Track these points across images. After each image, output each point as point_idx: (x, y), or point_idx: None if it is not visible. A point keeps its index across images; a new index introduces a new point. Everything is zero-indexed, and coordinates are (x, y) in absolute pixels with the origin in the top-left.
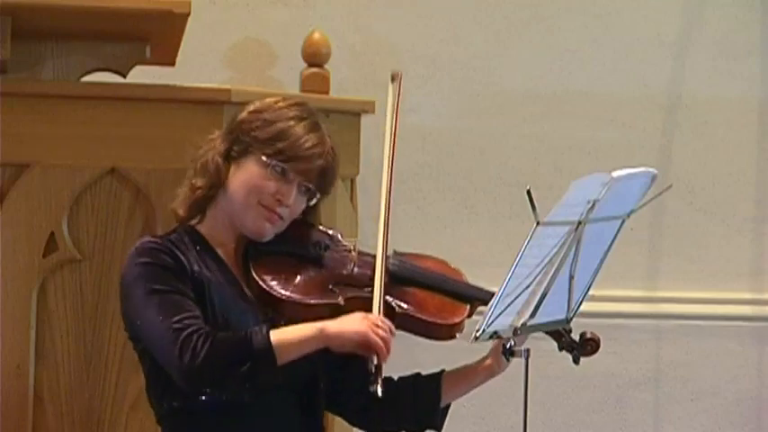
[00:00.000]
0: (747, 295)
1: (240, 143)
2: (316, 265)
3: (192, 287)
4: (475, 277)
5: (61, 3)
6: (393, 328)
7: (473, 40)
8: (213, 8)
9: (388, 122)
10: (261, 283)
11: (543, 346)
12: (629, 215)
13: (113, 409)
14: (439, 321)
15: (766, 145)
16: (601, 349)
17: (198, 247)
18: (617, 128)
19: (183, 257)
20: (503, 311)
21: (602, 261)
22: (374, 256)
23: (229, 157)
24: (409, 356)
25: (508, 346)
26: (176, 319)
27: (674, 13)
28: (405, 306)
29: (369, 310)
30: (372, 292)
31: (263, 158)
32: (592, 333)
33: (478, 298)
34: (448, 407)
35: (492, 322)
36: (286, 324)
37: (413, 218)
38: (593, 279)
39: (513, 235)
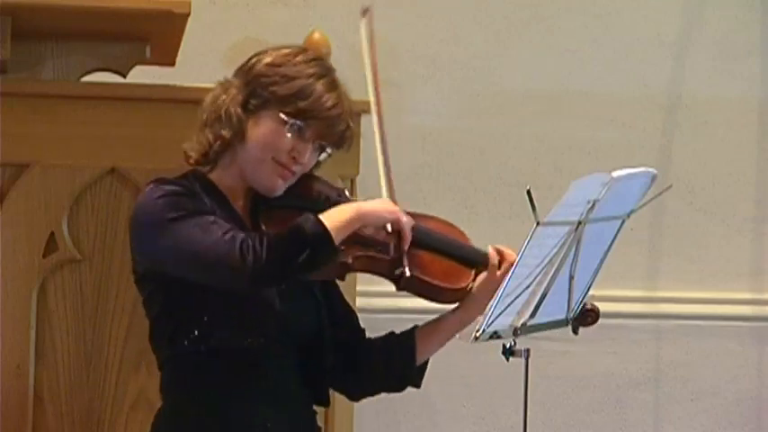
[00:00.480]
0: (747, 295)
1: (258, 97)
2: None
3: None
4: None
5: (61, 3)
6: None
7: (473, 40)
8: (213, 8)
9: (367, 59)
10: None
11: (543, 346)
12: (629, 215)
13: (113, 409)
14: (444, 285)
15: (766, 145)
16: (601, 349)
17: (209, 194)
18: (617, 128)
19: (199, 194)
20: (503, 311)
21: (602, 261)
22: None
23: (247, 110)
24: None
25: (508, 345)
26: (222, 231)
27: (674, 13)
28: (414, 268)
29: (377, 271)
30: (384, 252)
31: (282, 116)
32: (592, 304)
33: (485, 263)
34: (426, 363)
35: (492, 322)
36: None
37: None
38: (593, 279)
39: (513, 235)
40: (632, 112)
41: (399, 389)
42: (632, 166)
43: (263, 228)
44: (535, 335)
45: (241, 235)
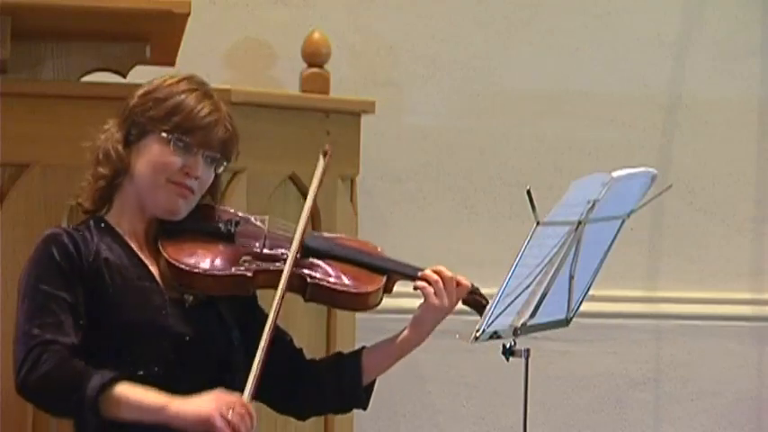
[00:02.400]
0: (747, 295)
1: (137, 126)
2: (226, 240)
3: (86, 280)
4: (475, 277)
5: (61, 3)
6: (252, 413)
7: (473, 40)
8: (213, 8)
9: (312, 192)
10: (169, 258)
11: (543, 346)
12: (629, 215)
13: None
14: (351, 290)
15: (766, 145)
16: (601, 349)
17: (105, 236)
18: (617, 128)
19: (82, 247)
20: (503, 311)
21: (602, 261)
22: (288, 235)
23: (129, 143)
24: (409, 356)
25: (508, 345)
26: (37, 323)
27: (674, 13)
28: (316, 275)
29: (276, 284)
30: (284, 266)
31: (163, 135)
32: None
33: (396, 271)
34: (373, 384)
35: (492, 322)
36: (196, 299)
37: (413, 218)
38: (594, 279)
39: (513, 235)
40: (632, 112)
41: (346, 410)
42: (632, 166)
43: (162, 250)
44: (535, 335)
45: (44, 338)
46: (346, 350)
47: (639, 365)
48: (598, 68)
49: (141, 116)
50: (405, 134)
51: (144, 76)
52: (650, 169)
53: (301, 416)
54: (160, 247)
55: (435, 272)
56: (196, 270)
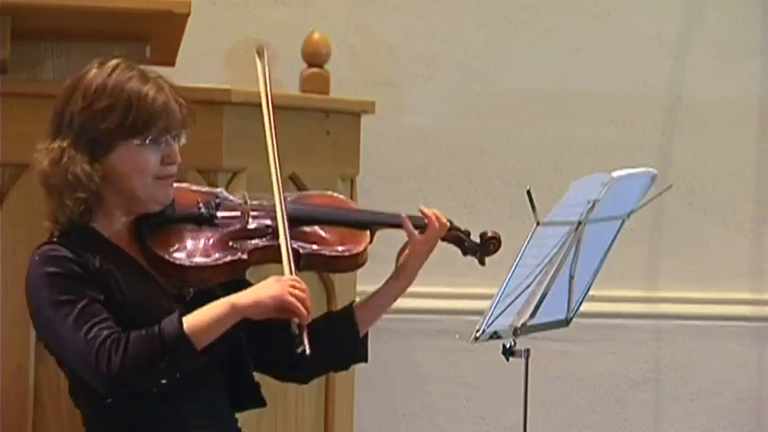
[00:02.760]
0: (747, 295)
1: (95, 142)
2: (210, 225)
3: (98, 285)
4: (475, 277)
5: (61, 3)
6: (305, 287)
7: (473, 40)
8: (213, 8)
9: (263, 98)
10: (160, 255)
11: (543, 347)
12: (629, 215)
13: None
14: (344, 254)
15: (766, 145)
16: (601, 349)
17: (94, 244)
18: (617, 128)
19: (84, 257)
20: (503, 311)
21: (602, 261)
22: (267, 205)
23: (96, 160)
24: (409, 356)
25: (508, 345)
26: (86, 329)
27: (674, 13)
28: (307, 246)
29: (273, 259)
30: (273, 239)
31: (135, 142)
32: (493, 231)
33: (376, 221)
34: (366, 336)
35: (492, 322)
36: (196, 291)
37: None
38: (594, 279)
39: (513, 235)
40: (632, 112)
41: (346, 366)
42: (632, 166)
43: (150, 248)
44: (535, 335)
45: (101, 336)
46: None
47: (639, 365)
48: (598, 68)
49: (96, 131)
50: (405, 134)
51: None
52: (650, 169)
53: (304, 380)
54: (150, 246)
55: (421, 212)
56: (191, 264)
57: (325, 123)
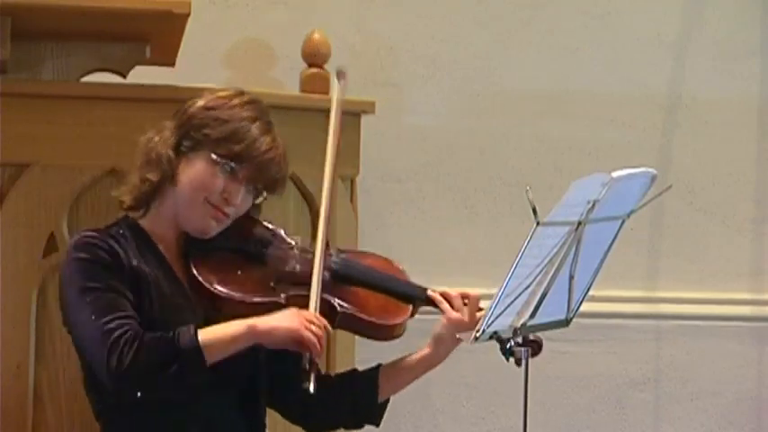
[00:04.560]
0: (747, 295)
1: (190, 139)
2: (257, 262)
3: (129, 282)
4: (475, 277)
5: (61, 3)
6: (328, 325)
7: (473, 40)
8: (213, 8)
9: (332, 121)
10: (201, 280)
11: (543, 346)
12: (629, 215)
13: None
14: (380, 322)
15: (766, 145)
16: (601, 349)
17: (138, 242)
18: (617, 128)
19: (121, 252)
20: (503, 312)
21: (602, 261)
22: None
23: (179, 152)
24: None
25: (508, 346)
26: (107, 319)
27: (674, 13)
28: (346, 305)
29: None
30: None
31: (214, 157)
32: (535, 335)
33: (421, 298)
34: (387, 401)
35: (492, 322)
36: (224, 317)
37: (413, 218)
38: (594, 279)
39: (513, 235)
40: (632, 112)
41: (358, 426)
42: (632, 166)
43: (194, 271)
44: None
45: (119, 331)
46: (344, 358)
47: (639, 365)
48: (598, 68)
49: (197, 131)
50: (405, 134)
51: (144, 76)
52: (650, 169)
53: (314, 429)
54: (192, 267)
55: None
56: (229, 296)
57: (325, 123)
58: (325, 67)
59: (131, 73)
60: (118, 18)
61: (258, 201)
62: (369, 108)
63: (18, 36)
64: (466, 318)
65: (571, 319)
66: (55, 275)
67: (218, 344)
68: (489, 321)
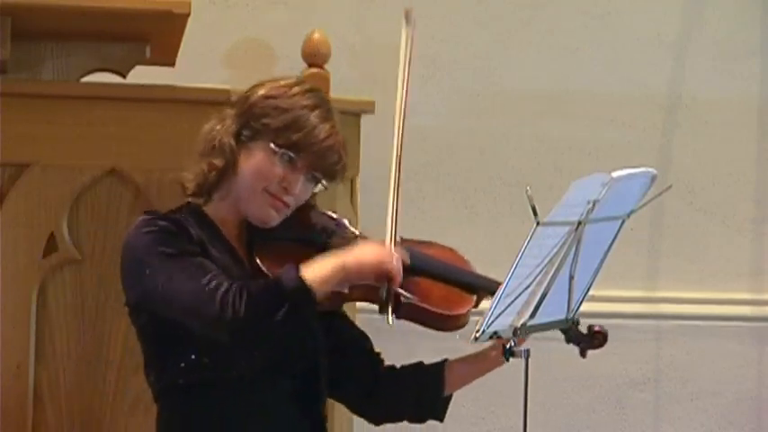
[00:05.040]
0: (747, 295)
1: (250, 128)
2: (321, 252)
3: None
4: None
5: (61, 3)
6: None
7: (473, 40)
8: (213, 8)
9: (401, 68)
10: (265, 270)
11: (543, 347)
12: (629, 215)
13: (113, 409)
14: (445, 312)
15: (766, 145)
16: (602, 348)
17: (203, 227)
18: (617, 128)
19: (187, 228)
20: (503, 311)
21: (602, 261)
22: (381, 243)
23: (239, 141)
24: (409, 356)
25: (508, 346)
26: (206, 279)
27: (674, 13)
28: (410, 296)
29: (372, 299)
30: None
31: (272, 146)
32: (600, 326)
33: (485, 288)
34: (450, 397)
35: (492, 322)
36: None
37: (413, 218)
38: (594, 279)
39: (513, 235)
40: (632, 112)
41: (422, 420)
42: (632, 166)
43: (258, 261)
44: (535, 335)
45: (224, 286)
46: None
47: (639, 365)
48: (598, 68)
49: (257, 120)
50: (405, 134)
51: (144, 76)
52: (650, 169)
53: (376, 421)
54: (256, 257)
55: None
56: None
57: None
58: (326, 66)
59: (131, 73)
60: (118, 18)
61: (317, 189)
62: (369, 108)
63: (18, 36)
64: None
65: (571, 319)
66: (55, 275)
67: (319, 278)
68: (489, 321)
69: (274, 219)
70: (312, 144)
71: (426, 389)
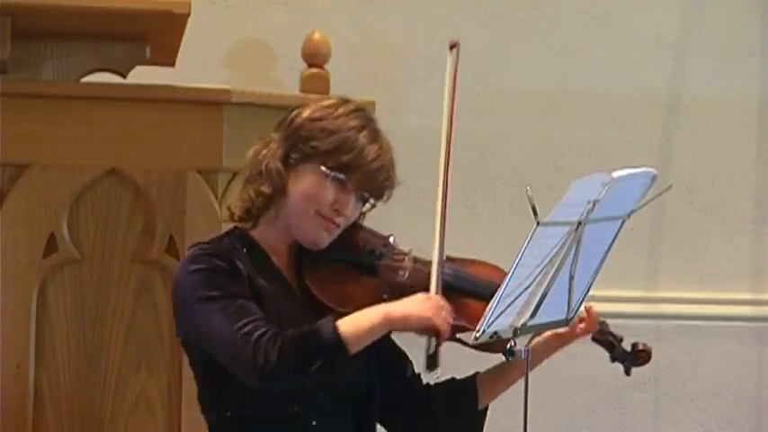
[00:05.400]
0: (747, 295)
1: (298, 151)
2: (370, 273)
3: (249, 294)
4: None
5: (61, 3)
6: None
7: (473, 40)
8: (213, 8)
9: (446, 97)
10: (314, 293)
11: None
12: (629, 215)
13: (113, 409)
14: None
15: (766, 145)
16: (601, 349)
17: (252, 255)
18: (617, 128)
19: (239, 264)
20: (503, 312)
21: (602, 261)
22: (429, 263)
23: (288, 164)
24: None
25: (508, 346)
26: (242, 323)
27: (674, 13)
28: (457, 318)
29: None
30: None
31: (323, 169)
32: (644, 344)
33: None
34: (486, 409)
35: (492, 322)
36: None
37: (413, 218)
38: (594, 279)
39: (513, 235)
40: (632, 112)
41: None
42: (632, 166)
43: (309, 284)
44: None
45: (259, 331)
46: None
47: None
48: (598, 68)
49: (305, 142)
50: (405, 134)
51: (144, 76)
52: (650, 169)
53: None
54: (306, 280)
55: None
56: (342, 311)
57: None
58: (326, 66)
59: (131, 73)
60: (118, 18)
61: (366, 208)
62: (369, 108)
63: (18, 36)
64: (574, 338)
65: (571, 319)
66: (55, 275)
67: (357, 334)
68: (489, 321)
69: (326, 240)
70: (362, 165)
71: (462, 405)
